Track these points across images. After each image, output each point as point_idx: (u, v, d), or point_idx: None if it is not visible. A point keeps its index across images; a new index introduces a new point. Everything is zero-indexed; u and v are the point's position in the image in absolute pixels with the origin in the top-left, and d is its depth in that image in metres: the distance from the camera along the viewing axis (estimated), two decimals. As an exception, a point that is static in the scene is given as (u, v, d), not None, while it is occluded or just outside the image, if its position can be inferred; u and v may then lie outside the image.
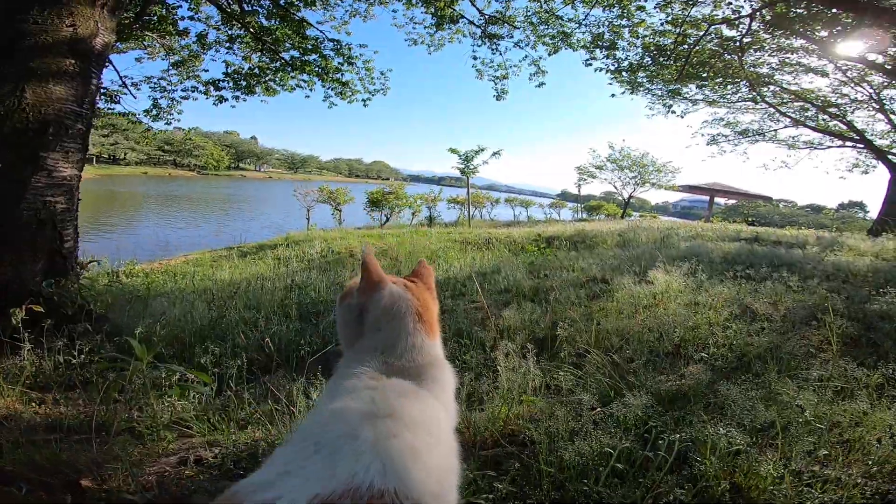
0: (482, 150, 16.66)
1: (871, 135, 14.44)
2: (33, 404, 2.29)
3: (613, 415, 1.84)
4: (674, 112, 14.38)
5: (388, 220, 17.55)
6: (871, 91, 12.95)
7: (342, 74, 9.34)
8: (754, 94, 13.75)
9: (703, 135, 17.41)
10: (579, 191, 33.60)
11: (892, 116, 13.40)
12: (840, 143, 15.33)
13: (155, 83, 9.32)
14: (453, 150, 16.79)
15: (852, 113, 14.15)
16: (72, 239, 3.49)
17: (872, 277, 4.45)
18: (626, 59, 11.06)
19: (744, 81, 12.79)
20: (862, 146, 14.73)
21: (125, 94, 8.81)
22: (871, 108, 13.74)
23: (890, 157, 13.77)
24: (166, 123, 9.92)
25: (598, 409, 1.94)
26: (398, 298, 0.95)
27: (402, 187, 18.36)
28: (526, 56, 10.06)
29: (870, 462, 1.63)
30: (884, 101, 13.12)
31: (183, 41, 8.86)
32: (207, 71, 9.77)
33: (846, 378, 2.14)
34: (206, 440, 1.77)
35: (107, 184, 42.46)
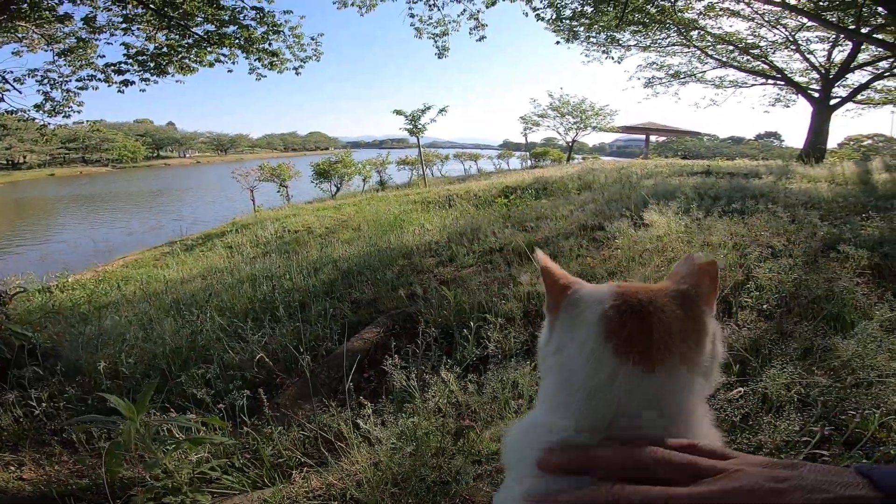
0: (428, 108, 16.17)
1: (790, 73, 15.69)
2: (11, 468, 1.87)
3: (756, 391, 1.64)
4: (612, 58, 14.89)
5: (339, 189, 16.88)
6: (787, 33, 14.11)
7: (269, 44, 8.37)
8: (683, 38, 14.59)
9: (638, 78, 18.50)
10: (526, 139, 33.96)
11: (808, 56, 14.69)
12: (763, 80, 16.63)
13: (42, 76, 7.98)
14: (398, 112, 16.19)
15: (773, 54, 15.42)
16: (-15, 267, 2.85)
17: (843, 202, 4.62)
18: (566, 5, 11.15)
19: (674, 27, 13.43)
20: (783, 83, 16.07)
21: (7, 90, 7.47)
22: (789, 49, 14.90)
23: (810, 91, 15.13)
24: (65, 117, 8.60)
25: (739, 388, 1.73)
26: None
27: (349, 154, 17.64)
28: (465, 10, 9.66)
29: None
30: (799, 42, 14.29)
31: (66, 28, 7.50)
32: (104, 56, 8.34)
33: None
34: (250, 501, 1.44)
35: (9, 192, 37.96)
